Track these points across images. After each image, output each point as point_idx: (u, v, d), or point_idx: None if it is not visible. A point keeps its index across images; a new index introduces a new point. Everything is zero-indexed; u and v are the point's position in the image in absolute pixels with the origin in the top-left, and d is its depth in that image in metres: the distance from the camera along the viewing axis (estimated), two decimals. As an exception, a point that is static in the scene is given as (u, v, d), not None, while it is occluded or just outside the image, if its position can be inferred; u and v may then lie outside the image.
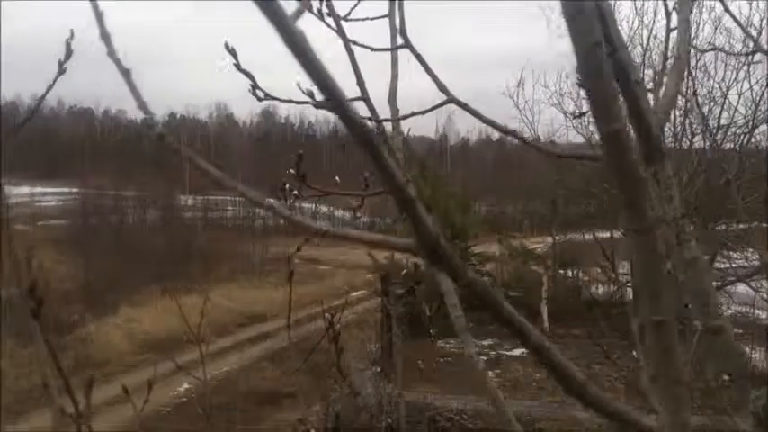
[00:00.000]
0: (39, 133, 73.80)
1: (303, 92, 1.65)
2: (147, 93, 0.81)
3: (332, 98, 0.53)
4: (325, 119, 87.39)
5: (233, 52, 1.40)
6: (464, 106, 1.52)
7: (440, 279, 1.61)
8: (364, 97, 1.59)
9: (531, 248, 24.20)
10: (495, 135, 75.08)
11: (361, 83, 1.58)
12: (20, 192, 47.56)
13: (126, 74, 0.75)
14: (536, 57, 39.97)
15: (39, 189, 53.80)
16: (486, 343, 19.32)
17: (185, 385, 15.63)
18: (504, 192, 44.27)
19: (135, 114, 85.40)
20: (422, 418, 12.45)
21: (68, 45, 1.23)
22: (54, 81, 1.25)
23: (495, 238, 23.91)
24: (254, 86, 1.56)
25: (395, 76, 1.60)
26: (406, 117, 1.73)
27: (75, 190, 38.69)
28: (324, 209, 51.27)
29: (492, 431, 12.36)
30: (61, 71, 1.22)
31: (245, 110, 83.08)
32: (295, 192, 1.78)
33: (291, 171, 1.70)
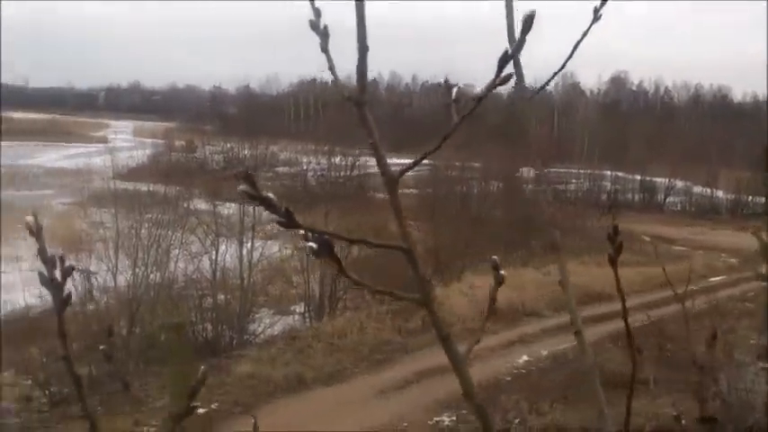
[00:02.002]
0: (393, 107, 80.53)
1: None
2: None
3: None
4: (684, 84, 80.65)
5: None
6: None
7: None
8: None
9: None
10: None
11: None
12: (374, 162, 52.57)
13: None
14: None
15: (395, 160, 58.91)
16: None
17: (525, 357, 15.68)
18: None
19: (481, 88, 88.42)
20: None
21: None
22: (584, 35, 1.18)
23: None
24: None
25: None
26: None
27: (426, 161, 41.32)
28: (680, 183, 47.60)
29: None
30: (596, 18, 1.16)
31: (593, 78, 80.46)
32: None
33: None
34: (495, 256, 1.04)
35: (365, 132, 0.87)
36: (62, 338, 0.80)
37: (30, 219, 0.79)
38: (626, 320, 0.89)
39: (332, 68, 0.86)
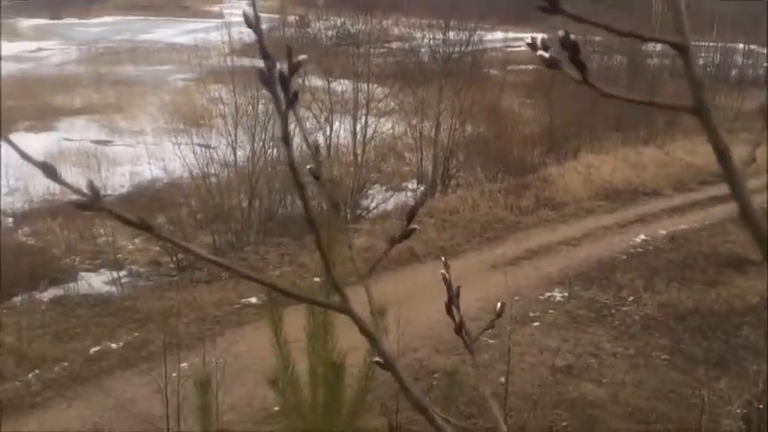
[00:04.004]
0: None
1: None
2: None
3: None
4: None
5: None
6: None
7: None
8: None
9: None
10: None
11: None
12: (493, 37, 50.52)
13: None
14: None
15: (511, 34, 56.27)
16: None
17: (641, 236, 15.30)
18: None
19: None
20: None
21: None
22: None
23: None
24: None
25: None
26: None
27: (542, 35, 39.25)
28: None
29: None
30: None
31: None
32: None
33: None
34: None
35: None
36: (285, 142, 0.72)
37: (248, 8, 0.71)
38: None
39: None
